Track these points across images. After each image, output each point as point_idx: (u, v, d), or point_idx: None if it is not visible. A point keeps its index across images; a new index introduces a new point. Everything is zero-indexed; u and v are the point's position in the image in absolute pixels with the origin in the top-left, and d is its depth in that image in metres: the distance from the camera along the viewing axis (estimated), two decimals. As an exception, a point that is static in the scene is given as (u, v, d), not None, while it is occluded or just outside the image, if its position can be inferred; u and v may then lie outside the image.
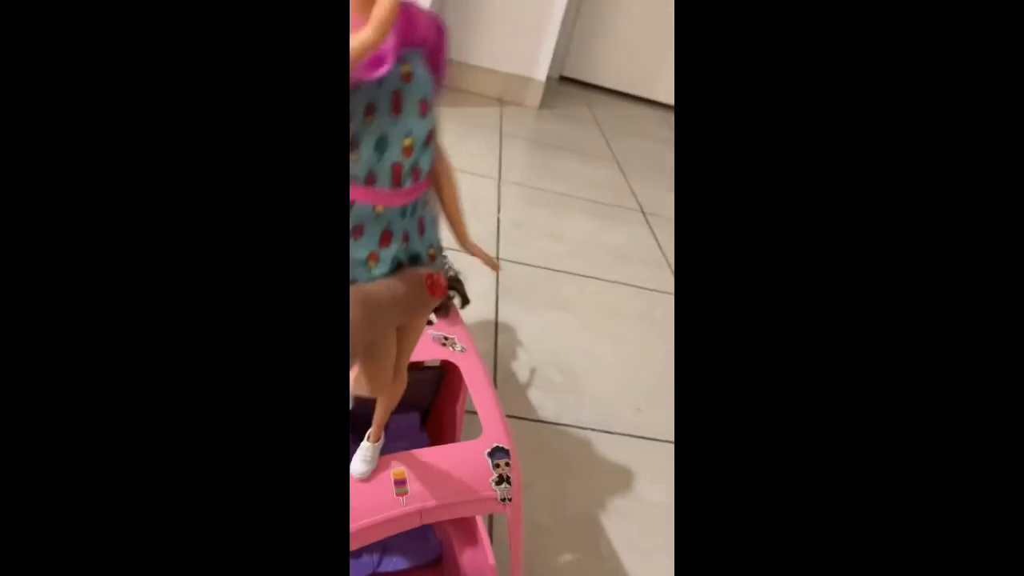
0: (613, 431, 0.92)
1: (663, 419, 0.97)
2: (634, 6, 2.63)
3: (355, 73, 0.23)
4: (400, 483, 0.40)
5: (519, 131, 2.03)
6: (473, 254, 0.34)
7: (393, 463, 0.41)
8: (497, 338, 1.04)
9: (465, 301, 0.60)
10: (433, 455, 0.42)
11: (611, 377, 1.04)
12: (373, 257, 0.28)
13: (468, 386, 0.48)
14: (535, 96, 2.25)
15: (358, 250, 0.27)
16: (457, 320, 0.55)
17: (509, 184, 1.61)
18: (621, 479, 0.85)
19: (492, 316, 1.09)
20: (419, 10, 0.25)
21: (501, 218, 1.43)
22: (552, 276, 1.28)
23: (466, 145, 1.74)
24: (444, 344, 0.51)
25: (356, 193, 0.26)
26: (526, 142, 1.99)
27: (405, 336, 0.36)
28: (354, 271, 0.28)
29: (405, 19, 0.24)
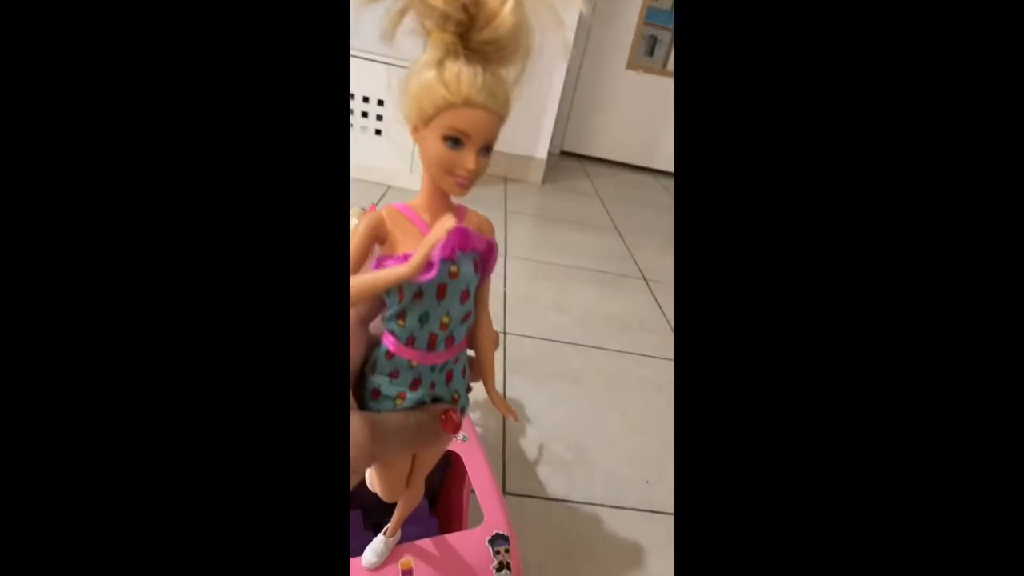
0: (622, 506, 0.93)
1: (672, 491, 0.98)
2: (627, 82, 2.80)
3: (408, 276, 0.28)
4: (407, 573, 0.43)
5: (523, 207, 2.14)
6: (494, 404, 0.37)
7: (401, 553, 0.45)
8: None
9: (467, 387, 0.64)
10: (437, 545, 0.46)
11: (619, 450, 1.06)
12: (401, 396, 0.33)
13: (469, 475, 0.52)
14: (537, 173, 2.37)
15: (390, 389, 0.33)
16: (459, 409, 0.60)
17: (515, 259, 1.69)
18: (631, 556, 0.85)
19: (500, 391, 1.13)
20: (471, 232, 0.30)
21: (508, 292, 1.49)
22: (558, 348, 1.32)
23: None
24: (447, 434, 0.55)
25: (396, 349, 0.32)
26: (530, 217, 2.09)
27: (421, 457, 0.39)
28: (382, 404, 0.33)
29: (458, 237, 0.29)
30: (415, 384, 0.33)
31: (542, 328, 1.38)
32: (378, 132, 1.87)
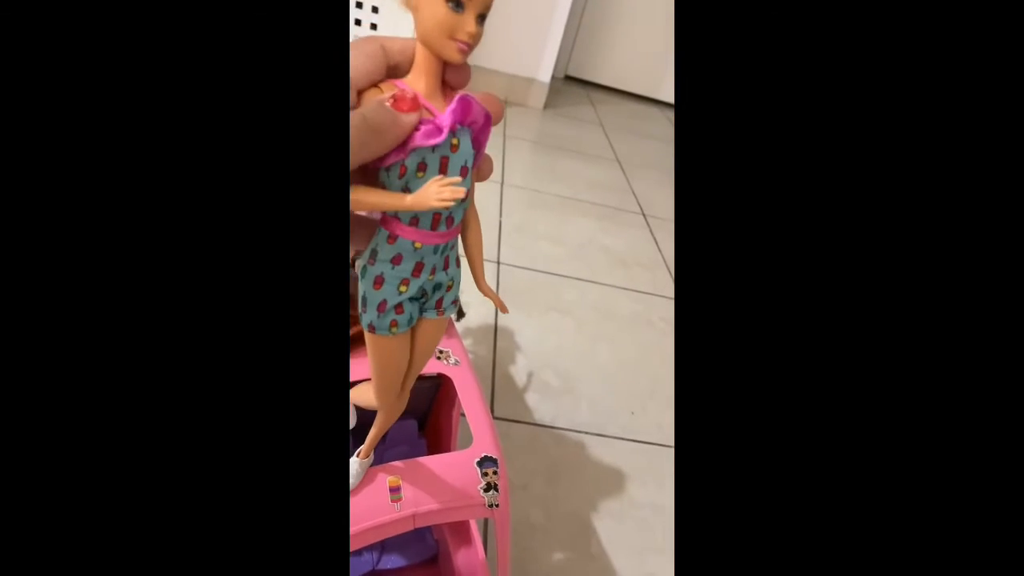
0: (606, 434, 0.96)
1: (655, 422, 1.01)
2: (638, 6, 2.64)
3: (415, 141, 0.28)
4: (395, 490, 0.43)
5: (523, 133, 2.06)
6: (485, 295, 0.37)
7: (389, 471, 0.45)
8: (496, 343, 1.08)
9: (460, 314, 0.63)
10: (426, 464, 0.46)
11: (606, 381, 1.07)
12: (404, 282, 0.33)
13: (460, 398, 0.51)
14: (539, 97, 2.27)
15: (392, 276, 0.32)
16: (452, 333, 0.58)
17: (512, 187, 1.64)
18: (613, 481, 0.88)
19: (492, 321, 1.12)
20: (475, 100, 0.30)
21: (503, 222, 1.46)
22: (552, 280, 1.31)
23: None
24: (439, 357, 0.54)
25: (401, 230, 0.31)
26: (529, 144, 2.02)
27: (419, 347, 0.39)
28: (386, 291, 0.33)
29: (461, 107, 0.29)
30: (417, 269, 0.32)
31: (536, 259, 1.36)
32: (373, 26, 1.76)
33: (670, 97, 2.84)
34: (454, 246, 0.34)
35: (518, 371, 1.03)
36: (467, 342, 1.06)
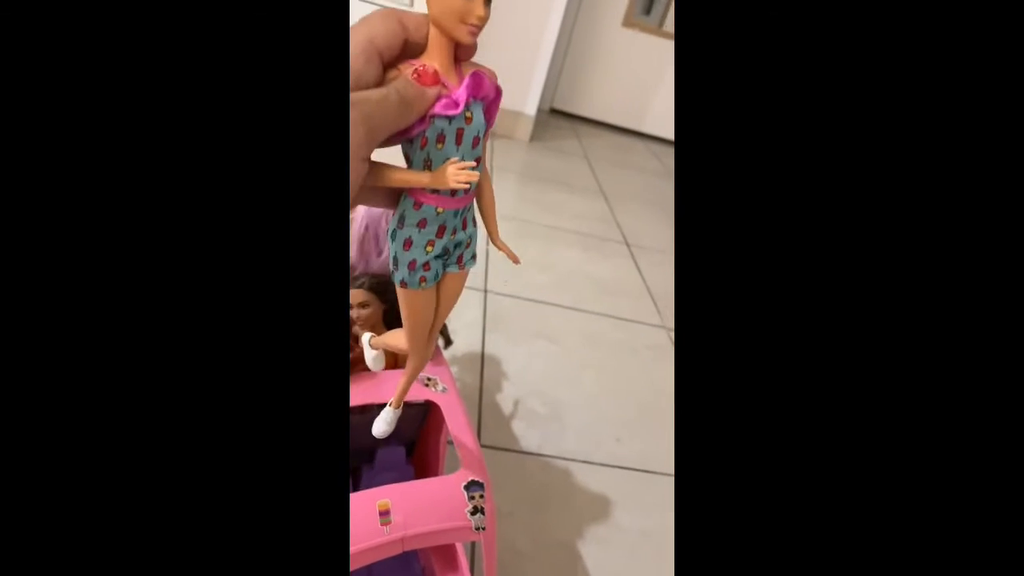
0: (593, 461, 0.97)
1: (640, 449, 1.02)
2: (620, 41, 2.74)
3: (435, 110, 0.31)
4: (384, 514, 0.44)
5: (510, 164, 2.11)
6: (500, 248, 0.40)
7: (379, 495, 0.46)
8: (483, 370, 1.09)
9: (448, 342, 0.65)
10: (415, 488, 0.47)
11: (592, 408, 1.09)
12: (430, 243, 0.36)
13: (448, 424, 0.53)
14: (525, 130, 2.33)
15: (420, 238, 0.36)
16: (440, 361, 0.60)
17: (500, 217, 1.68)
18: (599, 507, 0.89)
19: (479, 348, 1.14)
20: (486, 75, 0.33)
21: (490, 251, 1.49)
22: (539, 308, 1.33)
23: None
24: (427, 385, 0.56)
25: (425, 198, 0.34)
26: (516, 175, 2.07)
27: (444, 298, 0.42)
28: (414, 252, 0.36)
29: (475, 82, 0.32)
30: (440, 231, 0.36)
31: (524, 287, 1.38)
32: None
33: (653, 130, 2.93)
34: (470, 208, 0.38)
35: (505, 399, 1.05)
36: (454, 369, 1.07)
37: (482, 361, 1.11)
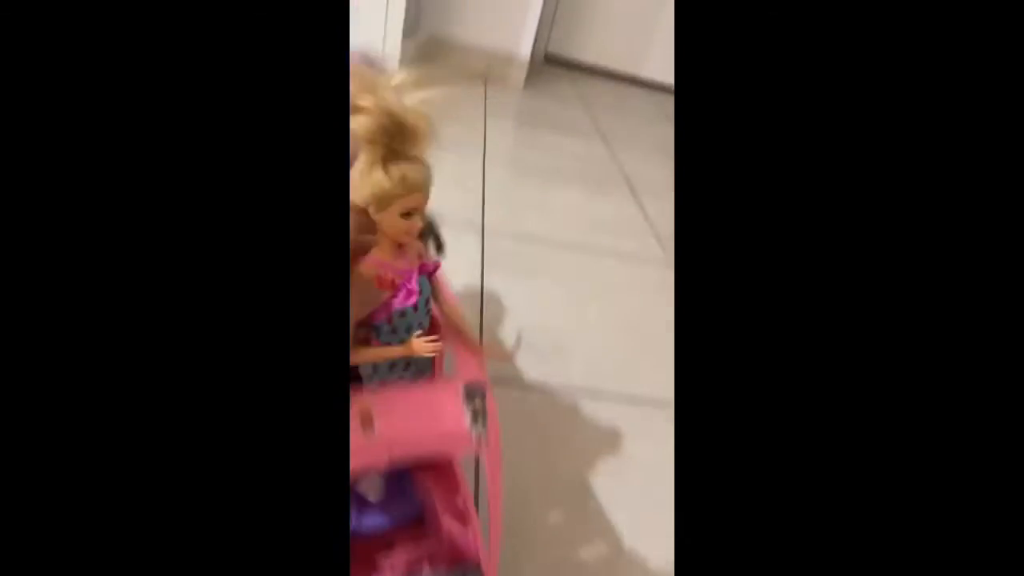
0: (601, 395, 0.91)
1: (651, 382, 0.96)
2: (618, -19, 2.59)
3: (396, 304, 0.41)
4: (367, 421, 0.38)
5: (504, 110, 2.01)
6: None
7: (360, 399, 0.39)
8: (483, 307, 1.03)
9: (439, 246, 0.58)
10: (402, 392, 0.40)
11: (597, 344, 1.03)
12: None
13: (442, 297, 0.46)
14: (519, 75, 2.22)
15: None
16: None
17: (494, 159, 1.59)
18: (609, 442, 0.83)
19: (478, 287, 1.07)
20: (426, 263, 0.45)
21: (487, 191, 1.41)
22: (538, 248, 1.26)
23: (450, 122, 1.71)
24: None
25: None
26: (511, 120, 1.97)
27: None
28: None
29: (420, 269, 0.44)
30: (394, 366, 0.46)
31: (522, 227, 1.31)
32: None
33: (653, 75, 2.80)
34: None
35: (507, 333, 0.98)
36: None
37: (481, 300, 1.05)
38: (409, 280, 0.41)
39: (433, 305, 0.47)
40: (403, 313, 0.41)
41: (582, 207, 1.48)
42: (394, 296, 0.41)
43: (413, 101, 0.38)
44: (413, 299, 0.41)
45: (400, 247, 0.43)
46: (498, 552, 0.44)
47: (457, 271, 1.11)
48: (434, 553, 0.55)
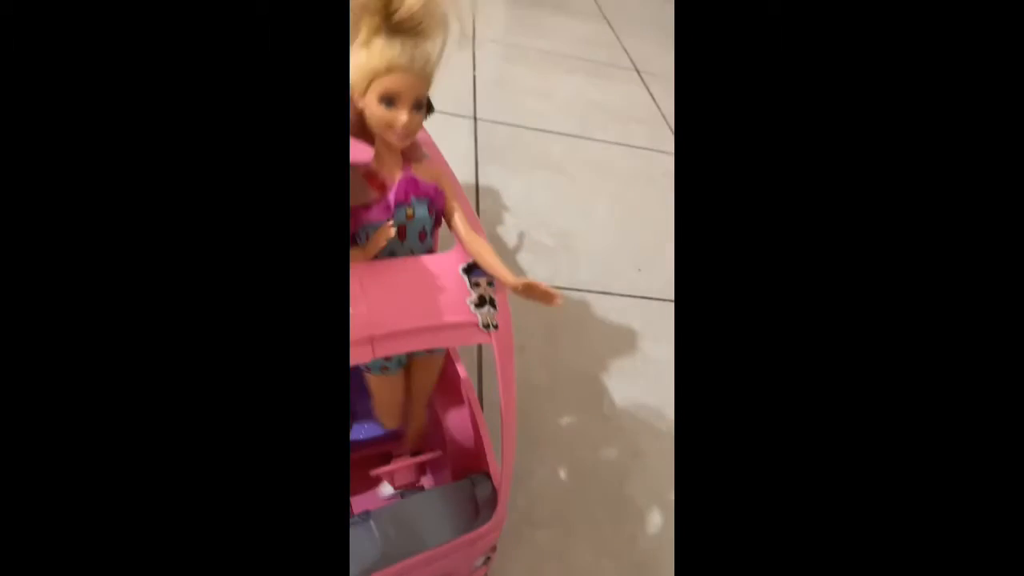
0: (611, 292, 0.84)
1: (666, 278, 0.89)
2: None
3: (367, 216, 0.34)
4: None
5: (494, -14, 1.78)
6: (520, 291, 0.33)
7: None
8: (479, 201, 0.93)
9: (428, 109, 0.47)
10: (386, 268, 0.32)
11: (608, 238, 0.94)
12: None
13: (442, 177, 0.37)
14: (511, -55, 1.95)
15: None
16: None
17: (485, 41, 1.42)
18: (622, 338, 0.77)
19: (472, 179, 0.97)
20: (419, 180, 0.35)
21: (477, 76, 1.26)
22: (538, 136, 1.14)
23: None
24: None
25: None
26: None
27: (417, 381, 0.44)
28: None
29: (404, 186, 0.34)
30: None
31: (519, 115, 1.18)
32: None
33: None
34: None
35: (507, 231, 0.89)
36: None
37: (477, 194, 0.94)
38: (390, 194, 0.34)
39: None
40: (378, 229, 0.34)
41: (587, 93, 1.34)
42: (369, 207, 0.33)
43: None
44: (384, 216, 0.33)
45: (390, 148, 0.34)
46: (511, 466, 0.37)
47: (450, 163, 1.00)
48: (438, 465, 0.49)
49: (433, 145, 0.42)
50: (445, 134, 0.50)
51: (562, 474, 0.59)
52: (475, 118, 1.13)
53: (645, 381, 0.72)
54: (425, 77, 0.33)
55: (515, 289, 0.32)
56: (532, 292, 0.32)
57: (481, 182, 0.98)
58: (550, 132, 1.16)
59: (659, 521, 0.58)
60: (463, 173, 0.97)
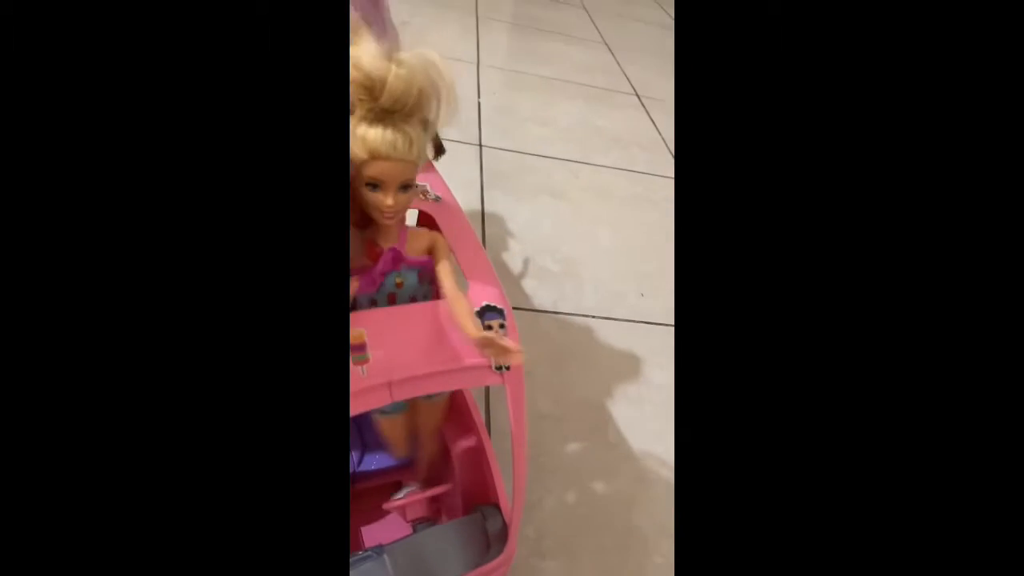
0: (615, 317, 0.85)
1: (669, 303, 0.90)
2: None
3: (356, 290, 0.34)
4: (358, 348, 0.31)
5: (497, 14, 1.83)
6: (486, 344, 0.33)
7: (352, 323, 0.32)
8: (485, 228, 0.94)
9: (439, 151, 0.49)
10: (402, 314, 0.33)
11: (611, 263, 0.95)
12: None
13: (445, 234, 0.38)
14: (513, -27, 2.01)
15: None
16: (429, 167, 0.45)
17: (489, 68, 1.45)
18: (626, 364, 0.78)
19: (479, 206, 0.99)
20: (408, 254, 0.36)
21: (482, 103, 1.29)
22: (541, 162, 1.16)
23: (441, 27, 1.55)
24: (421, 197, 0.41)
25: None
26: (505, 24, 1.80)
27: (422, 424, 0.46)
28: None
29: (391, 258, 0.35)
30: None
31: (522, 141, 1.20)
32: None
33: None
34: None
35: (512, 258, 0.91)
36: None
37: (483, 219, 0.96)
38: (376, 266, 0.35)
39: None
40: (372, 300, 0.36)
41: (588, 119, 1.37)
42: (362, 272, 0.35)
43: (414, 56, 0.32)
44: (373, 288, 0.35)
45: (378, 227, 0.35)
46: (522, 505, 0.38)
47: (456, 190, 1.02)
48: (447, 498, 0.50)
49: (443, 184, 0.44)
50: (453, 162, 0.52)
51: (569, 502, 0.60)
52: (480, 145, 1.15)
53: (651, 407, 0.72)
54: (411, 161, 0.33)
55: (476, 343, 0.34)
56: (490, 346, 0.32)
57: (487, 208, 0.99)
58: (552, 158, 1.19)
59: (666, 550, 0.58)
60: (469, 200, 0.99)
